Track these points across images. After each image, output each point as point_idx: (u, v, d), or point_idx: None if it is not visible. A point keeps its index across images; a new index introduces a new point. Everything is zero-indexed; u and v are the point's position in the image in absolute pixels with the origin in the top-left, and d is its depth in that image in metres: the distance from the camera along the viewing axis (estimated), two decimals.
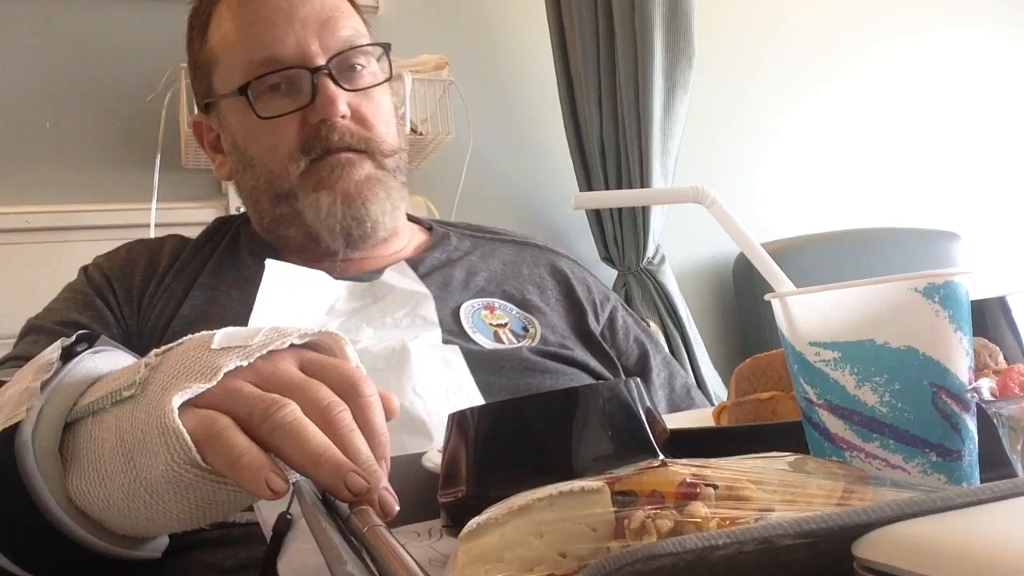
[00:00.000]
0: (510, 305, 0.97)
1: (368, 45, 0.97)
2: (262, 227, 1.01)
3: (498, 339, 0.92)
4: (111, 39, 1.70)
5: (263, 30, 0.93)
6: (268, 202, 0.97)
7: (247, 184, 0.99)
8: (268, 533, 0.48)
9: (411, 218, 1.10)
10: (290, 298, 0.89)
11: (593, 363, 0.95)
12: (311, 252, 0.97)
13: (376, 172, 0.95)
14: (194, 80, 1.03)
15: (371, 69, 0.98)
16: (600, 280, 1.12)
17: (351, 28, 0.96)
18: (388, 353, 0.82)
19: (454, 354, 0.84)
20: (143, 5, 1.71)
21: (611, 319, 1.04)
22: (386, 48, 0.99)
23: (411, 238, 1.06)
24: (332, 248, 0.95)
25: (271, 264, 0.90)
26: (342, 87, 0.93)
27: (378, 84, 0.97)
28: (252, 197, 0.99)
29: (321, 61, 0.92)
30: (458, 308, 0.94)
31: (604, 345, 0.99)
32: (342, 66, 0.94)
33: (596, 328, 1.01)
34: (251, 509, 0.51)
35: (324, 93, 0.91)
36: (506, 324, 0.95)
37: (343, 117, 0.92)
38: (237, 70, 0.94)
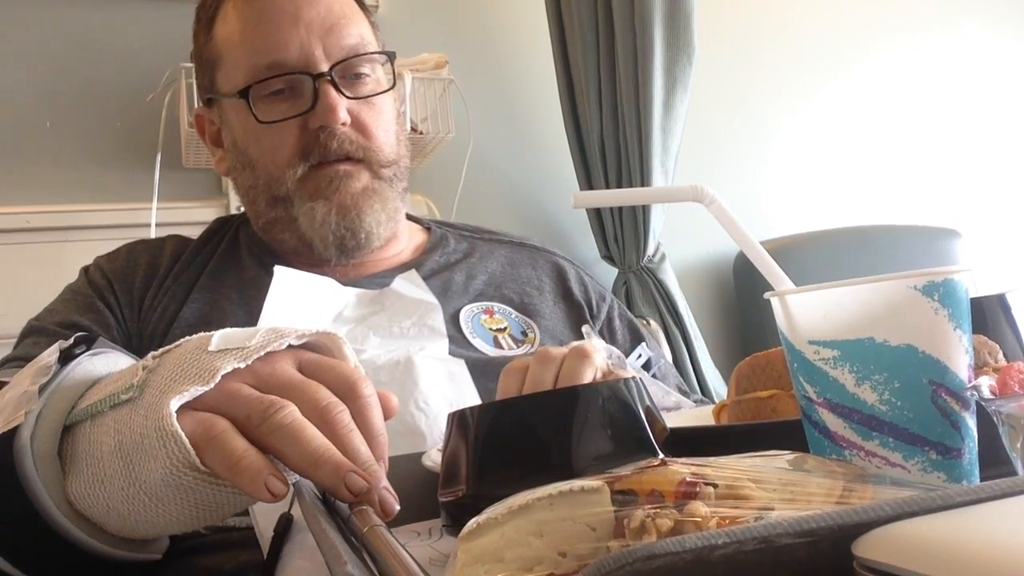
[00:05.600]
0: (509, 308, 0.97)
1: (373, 53, 0.96)
2: (258, 227, 1.01)
3: (498, 344, 0.92)
4: (111, 39, 1.70)
5: (268, 33, 0.92)
6: (264, 203, 0.96)
7: (245, 183, 0.98)
8: (263, 542, 0.48)
9: (410, 217, 1.10)
10: (298, 305, 0.88)
11: None
12: (305, 257, 0.97)
13: (373, 183, 0.95)
14: (198, 72, 1.02)
15: (375, 77, 0.97)
16: (597, 280, 1.12)
17: (357, 36, 0.95)
18: (392, 365, 0.82)
19: (459, 367, 0.84)
20: (143, 5, 1.71)
21: (609, 319, 1.04)
22: (391, 56, 0.98)
23: (410, 239, 1.06)
24: (325, 256, 0.95)
25: (279, 271, 0.90)
26: (344, 94, 0.92)
27: (380, 92, 0.97)
28: (249, 196, 0.99)
29: (324, 67, 0.92)
30: (458, 313, 0.94)
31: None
32: (346, 73, 0.94)
33: (595, 328, 1.00)
34: (247, 513, 0.51)
35: (325, 100, 0.91)
36: (505, 328, 0.95)
37: (343, 124, 0.92)
38: (240, 71, 0.94)
